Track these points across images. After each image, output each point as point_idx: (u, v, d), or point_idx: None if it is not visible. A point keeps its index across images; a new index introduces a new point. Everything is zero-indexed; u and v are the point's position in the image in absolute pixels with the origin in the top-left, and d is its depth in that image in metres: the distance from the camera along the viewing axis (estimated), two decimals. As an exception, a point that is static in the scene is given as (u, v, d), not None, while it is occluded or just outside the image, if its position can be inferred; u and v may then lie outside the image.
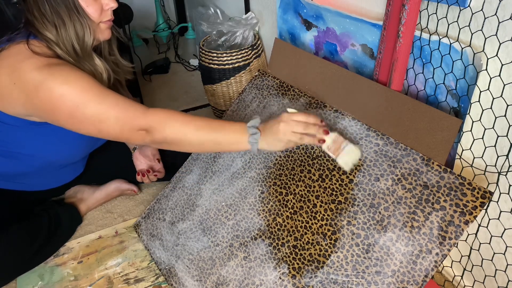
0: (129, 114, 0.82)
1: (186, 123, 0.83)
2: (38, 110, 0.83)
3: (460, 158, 0.80)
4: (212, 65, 1.47)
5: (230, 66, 1.45)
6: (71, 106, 0.80)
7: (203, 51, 1.49)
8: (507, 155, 0.70)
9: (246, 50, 1.45)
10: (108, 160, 1.23)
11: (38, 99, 0.80)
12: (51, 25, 0.83)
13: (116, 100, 0.82)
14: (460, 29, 0.73)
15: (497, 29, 0.66)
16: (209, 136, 0.84)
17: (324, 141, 0.82)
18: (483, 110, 0.73)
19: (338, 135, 0.83)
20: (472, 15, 0.70)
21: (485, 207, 0.70)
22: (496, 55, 0.67)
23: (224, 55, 1.44)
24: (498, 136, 0.71)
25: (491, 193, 0.68)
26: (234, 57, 1.44)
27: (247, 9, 1.56)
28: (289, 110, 0.85)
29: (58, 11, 0.82)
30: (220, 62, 1.45)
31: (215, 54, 1.45)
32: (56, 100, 0.79)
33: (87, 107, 0.80)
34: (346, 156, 0.81)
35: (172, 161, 1.19)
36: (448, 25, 0.75)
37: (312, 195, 0.86)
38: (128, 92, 1.15)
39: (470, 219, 0.68)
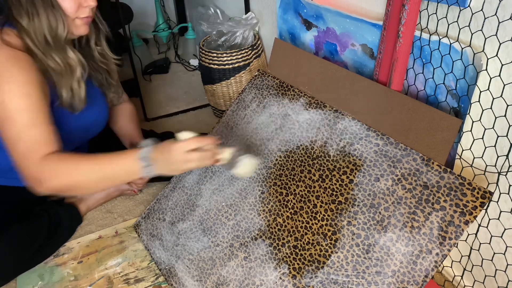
0: (28, 155, 0.81)
1: (74, 168, 0.82)
2: None
3: (460, 158, 0.80)
4: (212, 65, 1.47)
5: (230, 66, 1.45)
6: (3, 115, 0.81)
7: (203, 51, 1.49)
8: (507, 155, 0.70)
9: (246, 50, 1.45)
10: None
11: None
12: (25, 13, 0.83)
13: (36, 136, 0.81)
14: (460, 29, 0.73)
15: (497, 29, 0.66)
16: (101, 175, 0.83)
17: (219, 160, 0.84)
18: (483, 110, 0.73)
19: (233, 150, 0.86)
20: (472, 15, 0.70)
21: (485, 207, 0.70)
22: (496, 55, 0.67)
23: (224, 55, 1.44)
24: (498, 136, 0.71)
25: (491, 193, 0.68)
26: (234, 57, 1.44)
27: (247, 9, 1.56)
28: (180, 136, 0.81)
29: (33, 1, 0.82)
30: (220, 62, 1.45)
31: (215, 54, 1.45)
32: None
33: (12, 127, 0.81)
34: (242, 169, 0.87)
35: None
36: (448, 25, 0.75)
37: (312, 196, 0.86)
38: (119, 84, 1.16)
39: (470, 219, 0.68)
